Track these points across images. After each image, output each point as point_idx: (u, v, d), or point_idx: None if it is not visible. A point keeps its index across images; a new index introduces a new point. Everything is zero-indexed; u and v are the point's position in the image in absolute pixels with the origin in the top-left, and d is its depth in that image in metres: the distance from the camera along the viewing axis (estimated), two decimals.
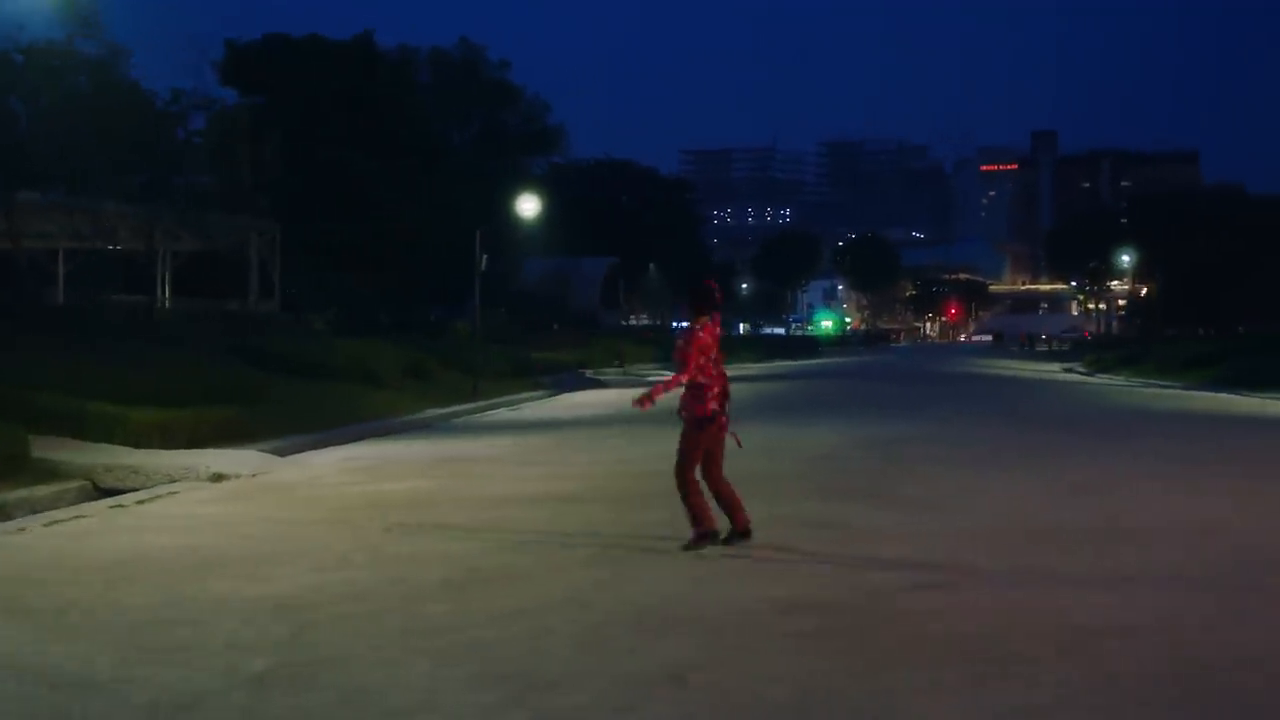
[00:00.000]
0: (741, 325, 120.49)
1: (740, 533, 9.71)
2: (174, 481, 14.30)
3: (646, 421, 24.81)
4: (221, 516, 11.86)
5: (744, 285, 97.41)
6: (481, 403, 30.67)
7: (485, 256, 33.84)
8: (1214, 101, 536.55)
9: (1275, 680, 6.18)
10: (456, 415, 27.26)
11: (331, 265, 47.77)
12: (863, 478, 14.50)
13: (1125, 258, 74.18)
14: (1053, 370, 63.26)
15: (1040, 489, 13.45)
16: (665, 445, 18.76)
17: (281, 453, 17.89)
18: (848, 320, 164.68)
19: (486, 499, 12.86)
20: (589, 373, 48.93)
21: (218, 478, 14.56)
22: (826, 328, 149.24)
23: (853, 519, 11.29)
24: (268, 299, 44.60)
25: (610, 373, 51.59)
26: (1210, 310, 76.67)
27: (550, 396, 35.96)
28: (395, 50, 64.63)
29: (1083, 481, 14.02)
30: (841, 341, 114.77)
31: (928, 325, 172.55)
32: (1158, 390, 42.53)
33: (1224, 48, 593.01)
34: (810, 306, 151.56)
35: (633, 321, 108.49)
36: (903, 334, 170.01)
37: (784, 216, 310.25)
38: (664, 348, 71.11)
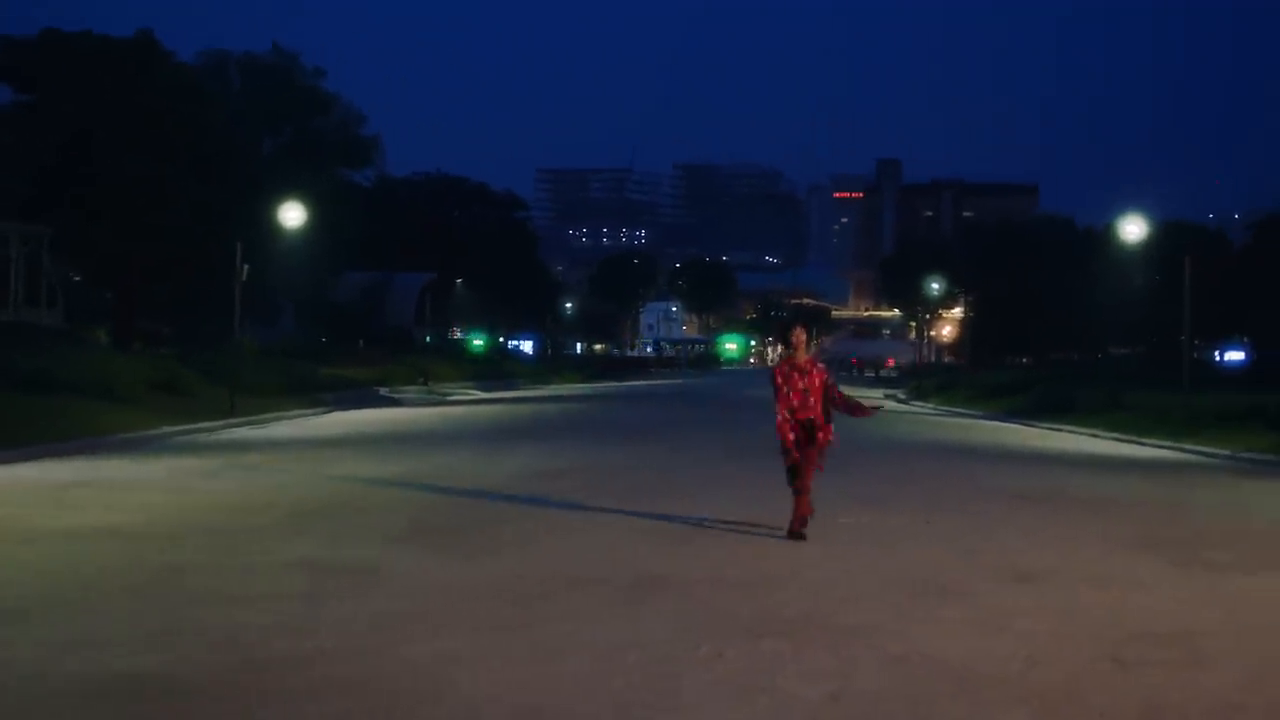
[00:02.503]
0: (578, 345, 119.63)
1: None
2: None
3: (371, 444, 23.80)
4: None
5: (568, 305, 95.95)
6: (235, 420, 29.23)
7: (246, 267, 32.23)
8: (1058, 136, 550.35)
9: None
10: (192, 433, 25.76)
11: (112, 276, 45.67)
12: (457, 516, 13.13)
13: (935, 286, 74.56)
14: (874, 397, 63.05)
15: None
16: (319, 469, 17.86)
17: None
18: (752, 343, 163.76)
19: (28, 532, 11.45)
20: (385, 390, 47.33)
21: None
22: (731, 350, 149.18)
23: (386, 565, 10.07)
24: (37, 308, 42.37)
25: (411, 391, 50.08)
26: (1027, 339, 77.64)
27: (322, 414, 34.57)
28: (208, 54, 62.53)
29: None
30: (671, 363, 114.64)
31: (768, 349, 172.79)
32: (952, 420, 42.43)
33: (1072, 84, 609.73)
34: (650, 328, 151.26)
35: (463, 339, 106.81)
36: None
37: (639, 238, 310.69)
38: (481, 365, 70.03)
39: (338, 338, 65.81)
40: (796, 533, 11.88)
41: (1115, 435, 32.02)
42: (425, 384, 54.14)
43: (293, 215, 34.02)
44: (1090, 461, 24.03)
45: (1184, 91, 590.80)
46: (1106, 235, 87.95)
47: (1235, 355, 70.66)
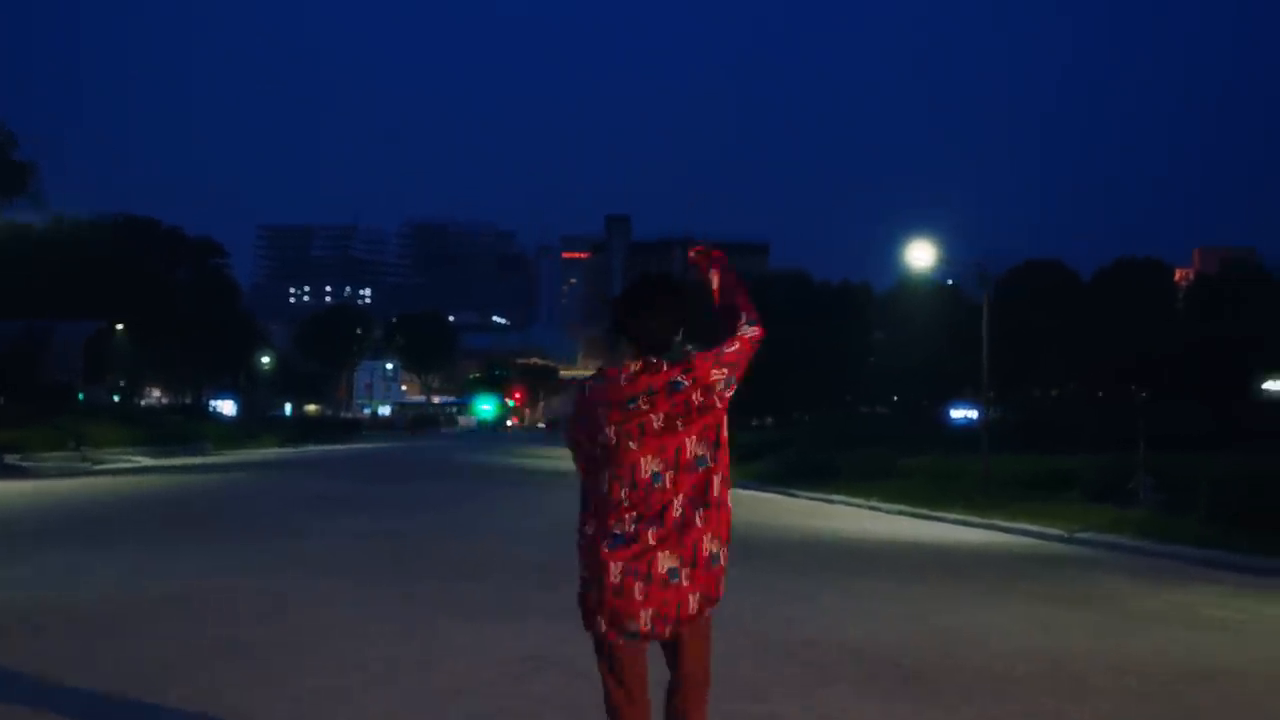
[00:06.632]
0: (288, 406, 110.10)
1: None
2: None
3: None
4: None
5: (265, 360, 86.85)
6: None
7: None
8: (786, 195, 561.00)
9: None
10: None
11: None
12: None
13: None
14: None
15: None
16: None
17: None
18: (510, 403, 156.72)
19: None
20: (15, 459, 38.66)
21: None
22: (485, 410, 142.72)
23: None
24: None
25: (56, 457, 41.44)
26: (768, 397, 72.40)
27: None
28: None
29: None
30: (390, 425, 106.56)
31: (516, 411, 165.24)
32: None
33: (801, 144, 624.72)
34: (369, 387, 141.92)
35: (155, 399, 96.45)
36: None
37: (364, 298, 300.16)
38: (163, 428, 61.00)
39: None
40: None
41: (902, 508, 26.08)
42: (78, 449, 45.35)
43: None
44: (901, 555, 17.47)
45: (907, 155, 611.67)
46: (843, 290, 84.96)
47: (968, 413, 66.19)
